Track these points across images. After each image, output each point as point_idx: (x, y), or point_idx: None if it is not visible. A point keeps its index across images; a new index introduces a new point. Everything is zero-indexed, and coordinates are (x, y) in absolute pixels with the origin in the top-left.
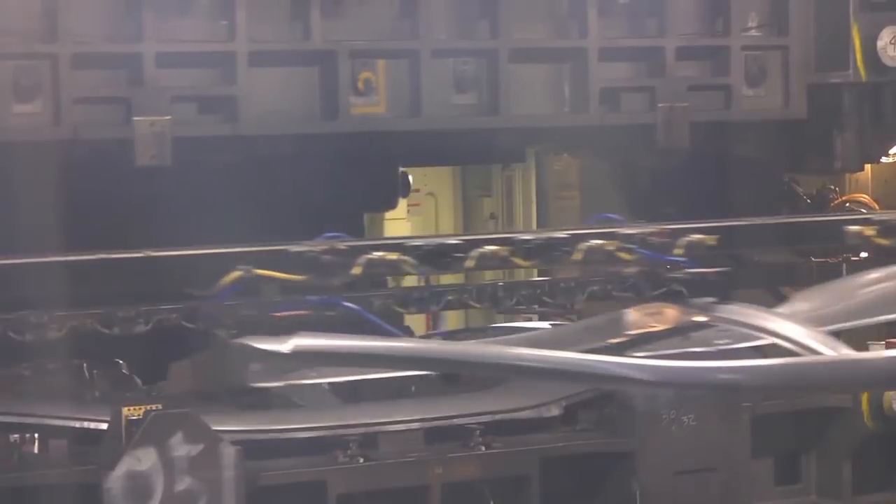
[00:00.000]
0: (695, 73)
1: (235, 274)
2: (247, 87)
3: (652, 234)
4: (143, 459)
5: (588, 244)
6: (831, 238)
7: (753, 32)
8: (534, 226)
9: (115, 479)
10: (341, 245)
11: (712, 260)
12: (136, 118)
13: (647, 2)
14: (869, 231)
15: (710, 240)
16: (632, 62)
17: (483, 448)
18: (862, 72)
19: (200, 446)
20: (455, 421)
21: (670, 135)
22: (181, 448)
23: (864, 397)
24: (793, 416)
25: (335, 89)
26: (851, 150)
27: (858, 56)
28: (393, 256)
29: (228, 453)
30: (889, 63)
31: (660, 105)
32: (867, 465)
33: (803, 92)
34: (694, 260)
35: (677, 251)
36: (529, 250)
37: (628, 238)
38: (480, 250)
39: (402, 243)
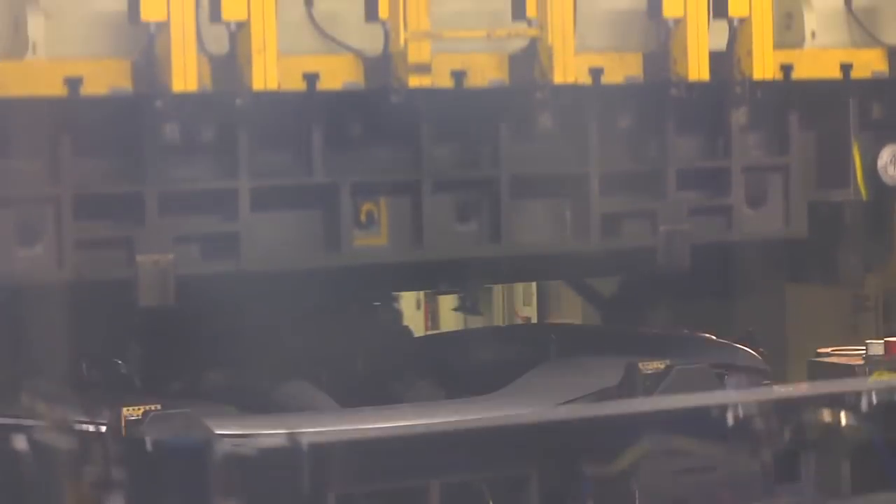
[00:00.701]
0: (695, 195)
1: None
2: (249, 224)
3: None
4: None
5: None
6: None
7: (754, 153)
8: None
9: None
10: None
11: None
12: (138, 258)
13: (646, 126)
14: None
15: None
16: (632, 187)
17: (482, 448)
18: (863, 190)
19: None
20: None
21: (671, 257)
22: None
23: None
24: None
25: (337, 223)
26: (852, 266)
27: (859, 174)
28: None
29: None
30: (889, 182)
31: (661, 228)
32: (866, 464)
33: (804, 210)
34: None
35: None
36: None
37: None
38: None
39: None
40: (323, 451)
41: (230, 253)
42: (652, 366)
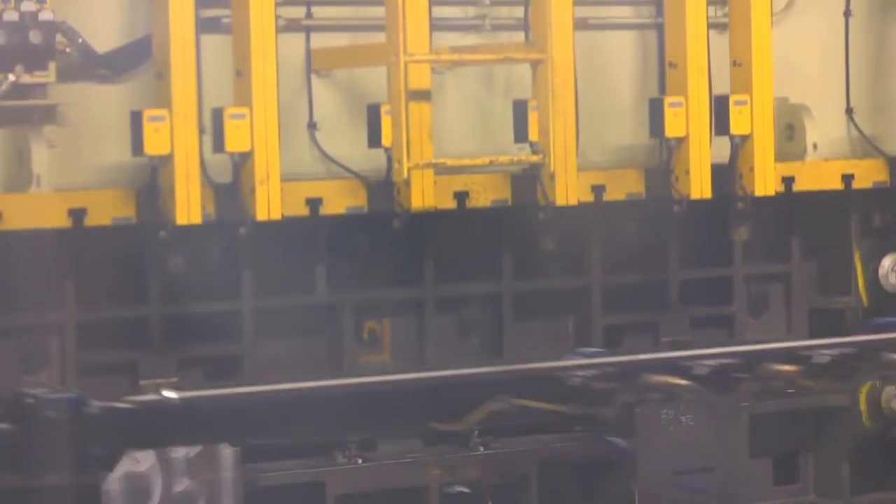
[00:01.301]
0: (697, 305)
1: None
2: (252, 345)
3: None
4: (142, 461)
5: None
6: None
7: (755, 262)
8: None
9: (114, 481)
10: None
11: None
12: (142, 382)
13: (648, 240)
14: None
15: None
16: (635, 300)
17: (482, 449)
18: (864, 297)
19: (199, 447)
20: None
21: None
22: (180, 449)
23: (863, 396)
24: (791, 416)
25: (340, 342)
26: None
27: (860, 282)
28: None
29: (227, 454)
30: (890, 290)
31: (662, 340)
32: (865, 464)
33: (805, 318)
34: None
35: None
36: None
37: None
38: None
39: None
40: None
41: (234, 375)
42: None
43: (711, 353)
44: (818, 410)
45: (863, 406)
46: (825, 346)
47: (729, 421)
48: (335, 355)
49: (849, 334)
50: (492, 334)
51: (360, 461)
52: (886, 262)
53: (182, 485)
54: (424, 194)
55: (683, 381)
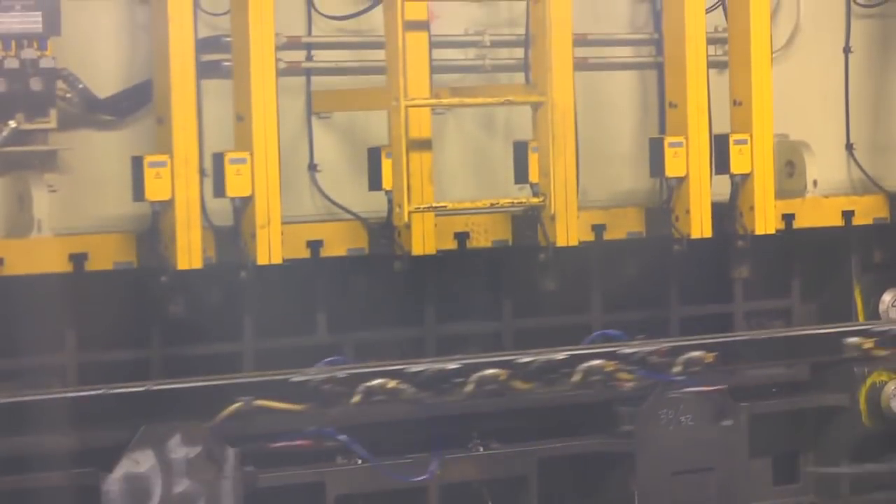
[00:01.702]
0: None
1: (236, 405)
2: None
3: (651, 352)
4: (142, 462)
5: (588, 364)
6: (831, 351)
7: (756, 298)
8: None
9: (114, 482)
10: (341, 374)
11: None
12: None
13: (649, 275)
14: (867, 343)
15: (709, 357)
16: (635, 336)
17: (481, 448)
18: None
19: (199, 448)
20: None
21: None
22: (179, 450)
23: (862, 396)
24: (791, 416)
25: None
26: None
27: (861, 316)
28: (392, 384)
29: (227, 455)
30: None
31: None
32: (865, 464)
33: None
34: (693, 377)
35: (676, 369)
36: (529, 373)
37: (627, 357)
38: (480, 374)
39: (403, 369)
40: None
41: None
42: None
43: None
44: (818, 410)
45: (863, 406)
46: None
47: (729, 421)
48: None
49: None
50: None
51: (359, 461)
52: (887, 298)
53: (182, 485)
54: (425, 237)
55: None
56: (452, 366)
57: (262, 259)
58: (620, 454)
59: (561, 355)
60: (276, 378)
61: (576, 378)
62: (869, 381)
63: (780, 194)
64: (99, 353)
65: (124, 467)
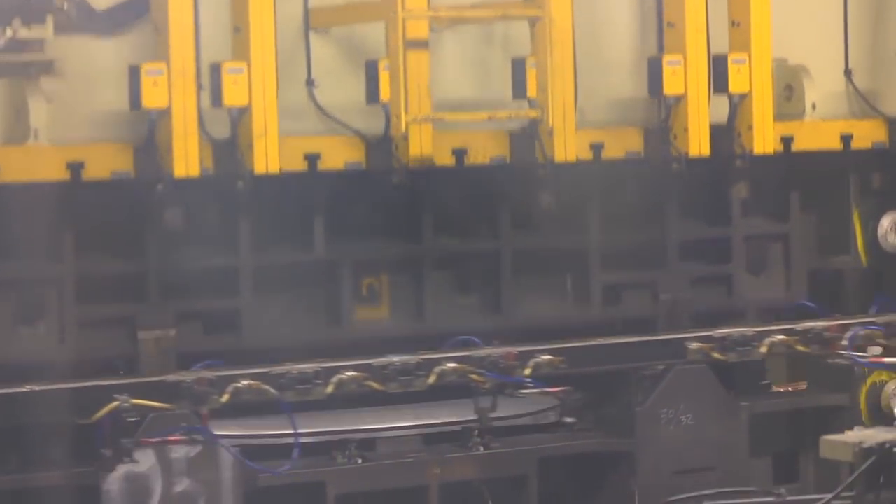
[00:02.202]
0: (696, 264)
1: (113, 404)
2: (251, 302)
3: (502, 356)
4: (142, 461)
5: (442, 368)
6: (673, 354)
7: (754, 222)
8: None
9: (114, 481)
10: (211, 375)
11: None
12: (140, 335)
13: (647, 199)
14: (707, 347)
15: (556, 360)
16: (634, 258)
17: (481, 448)
18: (863, 257)
19: (199, 448)
20: (451, 428)
21: (672, 325)
22: (180, 449)
23: (862, 396)
24: (791, 416)
25: (339, 298)
26: None
27: (859, 242)
28: (256, 385)
29: (227, 455)
30: (889, 249)
31: (661, 297)
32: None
33: (804, 278)
34: (540, 381)
35: (526, 371)
36: (386, 375)
37: (479, 361)
38: (340, 376)
39: (268, 372)
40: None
41: (232, 329)
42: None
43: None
44: (818, 410)
45: (862, 406)
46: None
47: (728, 420)
48: (333, 311)
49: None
50: (490, 291)
51: (359, 461)
52: (885, 222)
53: (182, 485)
54: (423, 148)
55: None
56: (312, 368)
57: (259, 168)
58: (620, 454)
59: (417, 359)
60: (152, 380)
61: (431, 380)
62: (869, 381)
63: (779, 118)
64: (96, 263)
65: (125, 466)
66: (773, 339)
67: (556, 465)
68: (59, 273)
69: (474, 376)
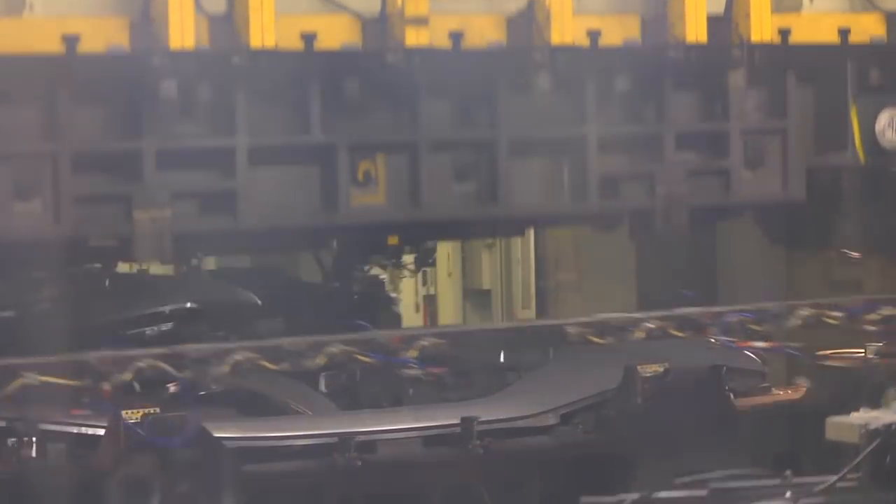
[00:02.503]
0: (694, 157)
1: (20, 380)
2: (247, 182)
3: (388, 338)
4: (143, 462)
5: (331, 349)
6: (553, 339)
7: (752, 116)
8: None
9: (114, 483)
10: (114, 355)
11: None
12: (136, 214)
13: (644, 88)
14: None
15: (439, 343)
16: (630, 149)
17: (481, 451)
18: (860, 154)
19: (198, 449)
20: (452, 430)
21: (669, 219)
22: (180, 451)
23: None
24: (790, 416)
25: (335, 181)
26: (850, 231)
27: (857, 139)
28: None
29: (227, 456)
30: (887, 146)
31: (658, 190)
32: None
33: (802, 174)
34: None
35: (411, 353)
36: (279, 355)
37: (367, 344)
38: (235, 357)
39: (167, 352)
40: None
41: (227, 210)
42: (651, 368)
43: None
44: (816, 413)
45: None
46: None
47: (727, 422)
48: (329, 195)
49: None
50: (487, 179)
51: (359, 463)
52: (883, 119)
53: (182, 486)
54: (419, 23)
55: None
56: (211, 349)
57: (255, 42)
58: (619, 455)
59: (308, 342)
60: (58, 359)
61: (319, 360)
62: (868, 384)
63: (777, 10)
64: (92, 139)
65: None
66: (650, 325)
67: (556, 468)
68: (55, 149)
69: (361, 357)
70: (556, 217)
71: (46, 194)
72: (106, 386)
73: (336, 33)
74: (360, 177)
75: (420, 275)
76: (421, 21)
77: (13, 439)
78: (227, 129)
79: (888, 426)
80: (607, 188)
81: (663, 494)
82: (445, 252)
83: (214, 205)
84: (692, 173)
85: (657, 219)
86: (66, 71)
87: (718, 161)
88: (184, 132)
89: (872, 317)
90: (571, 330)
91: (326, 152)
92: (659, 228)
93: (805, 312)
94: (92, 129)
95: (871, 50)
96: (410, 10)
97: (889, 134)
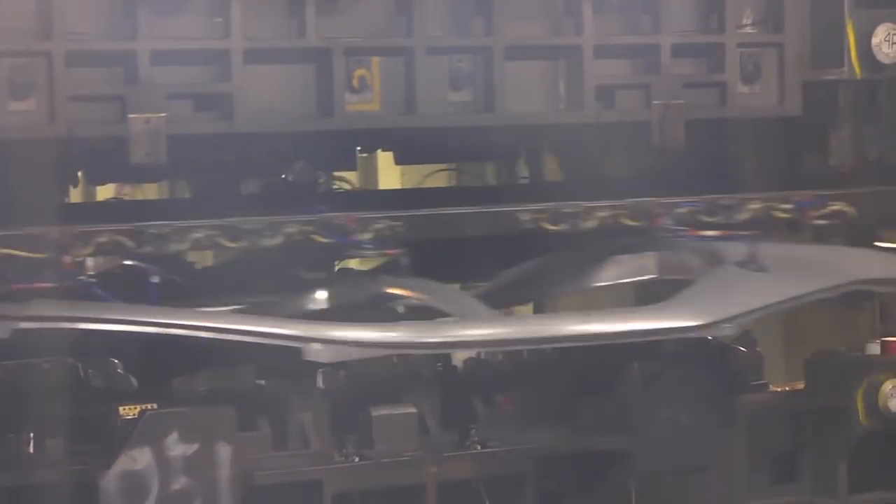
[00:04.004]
0: (690, 70)
1: None
2: (242, 85)
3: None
4: (139, 459)
5: (287, 230)
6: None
7: (748, 29)
8: None
9: (111, 479)
10: (75, 230)
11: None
12: (130, 115)
13: None
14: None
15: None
16: (627, 59)
17: (479, 447)
18: (857, 69)
19: (196, 445)
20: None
21: (665, 132)
22: (177, 447)
23: (860, 396)
24: (789, 415)
25: (330, 86)
26: (846, 148)
27: (853, 53)
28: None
29: (224, 452)
30: (884, 60)
31: (654, 102)
32: (863, 463)
33: (798, 89)
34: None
35: (366, 235)
36: (236, 235)
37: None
38: (195, 234)
39: (130, 228)
40: None
41: (223, 113)
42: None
43: None
44: (816, 409)
45: (860, 405)
46: None
47: (726, 419)
48: (324, 102)
49: None
50: (483, 87)
51: (356, 459)
52: (879, 33)
53: (179, 483)
54: None
55: None
56: (170, 227)
57: None
58: (618, 452)
59: (265, 221)
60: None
61: (277, 240)
62: (866, 381)
63: None
64: (86, 37)
65: (121, 464)
66: (603, 214)
67: (554, 464)
68: (49, 47)
69: (316, 237)
70: (552, 129)
71: (41, 93)
72: (67, 259)
73: None
74: (355, 83)
75: None
76: None
77: None
78: (222, 30)
79: None
80: (603, 98)
81: None
82: None
83: (209, 106)
84: (688, 85)
85: (653, 131)
86: None
87: (715, 74)
88: (179, 34)
89: (822, 211)
90: (524, 217)
91: (322, 56)
92: (655, 139)
93: (755, 206)
94: (86, 27)
95: None
96: None
97: (885, 48)
